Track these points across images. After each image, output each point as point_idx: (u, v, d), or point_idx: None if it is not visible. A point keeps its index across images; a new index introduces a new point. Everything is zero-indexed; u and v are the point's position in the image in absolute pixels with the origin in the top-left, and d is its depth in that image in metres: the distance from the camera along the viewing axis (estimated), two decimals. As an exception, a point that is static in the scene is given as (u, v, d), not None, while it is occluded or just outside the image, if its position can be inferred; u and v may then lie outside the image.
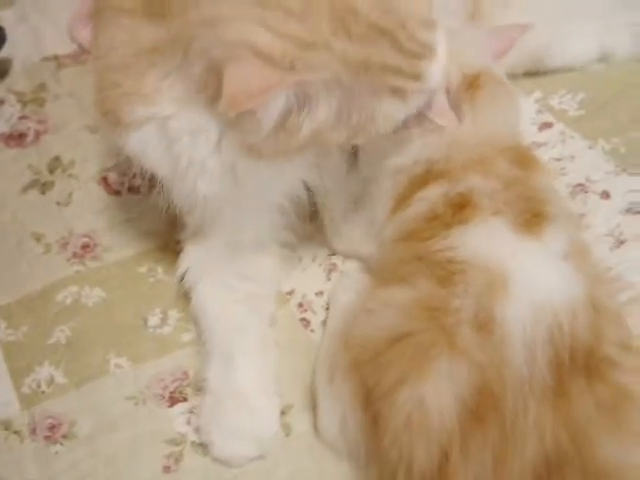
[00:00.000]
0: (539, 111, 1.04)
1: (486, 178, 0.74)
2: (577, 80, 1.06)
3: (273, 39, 0.60)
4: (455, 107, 0.76)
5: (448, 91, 0.75)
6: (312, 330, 0.86)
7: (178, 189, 0.78)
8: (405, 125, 0.70)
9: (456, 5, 0.99)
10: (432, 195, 0.74)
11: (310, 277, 0.91)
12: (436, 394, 0.63)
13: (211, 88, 0.65)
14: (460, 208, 0.72)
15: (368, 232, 0.84)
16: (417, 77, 0.67)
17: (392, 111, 0.67)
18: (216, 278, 0.86)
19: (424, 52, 0.66)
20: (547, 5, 1.06)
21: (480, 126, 0.78)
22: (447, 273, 0.68)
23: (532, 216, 0.72)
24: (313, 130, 0.65)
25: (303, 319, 0.87)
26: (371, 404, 0.67)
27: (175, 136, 0.70)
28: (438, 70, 0.69)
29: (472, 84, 0.80)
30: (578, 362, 0.65)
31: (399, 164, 0.79)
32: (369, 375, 0.67)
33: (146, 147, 0.74)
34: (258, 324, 0.84)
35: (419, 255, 0.71)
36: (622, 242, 0.88)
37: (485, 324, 0.65)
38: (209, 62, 0.63)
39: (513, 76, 1.05)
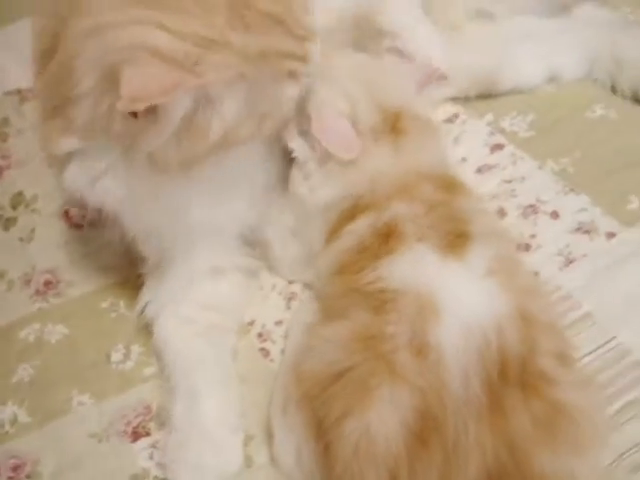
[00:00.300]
0: (491, 133, 1.06)
1: (410, 204, 0.76)
2: (527, 102, 1.09)
3: (172, 40, 0.61)
4: (361, 137, 0.79)
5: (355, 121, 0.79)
6: (272, 360, 0.87)
7: (120, 222, 0.80)
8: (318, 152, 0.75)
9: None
10: (360, 227, 0.77)
11: (270, 306, 0.92)
12: (381, 421, 0.65)
13: (108, 99, 0.65)
14: (386, 238, 0.74)
15: (307, 261, 0.87)
16: (305, 59, 0.71)
17: (290, 93, 0.72)
18: (177, 311, 0.87)
19: (309, 35, 0.71)
20: (497, 29, 1.10)
21: (403, 158, 0.81)
22: (380, 302, 0.70)
23: (455, 237, 0.74)
24: (223, 129, 0.67)
25: (263, 349, 0.88)
26: (322, 435, 0.68)
27: (94, 172, 0.73)
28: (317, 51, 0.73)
29: (394, 125, 0.82)
30: (512, 378, 0.66)
31: (327, 202, 0.82)
32: (318, 408, 0.68)
33: (78, 183, 0.76)
34: (220, 357, 0.85)
35: (353, 288, 0.73)
36: (571, 261, 0.90)
37: (421, 349, 0.67)
38: (102, 72, 0.64)
39: (467, 99, 1.09)
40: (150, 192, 0.74)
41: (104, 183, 0.75)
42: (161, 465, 0.79)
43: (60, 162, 0.76)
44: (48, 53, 0.72)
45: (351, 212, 0.79)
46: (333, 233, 0.80)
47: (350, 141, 0.80)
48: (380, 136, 0.82)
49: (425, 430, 0.65)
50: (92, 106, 0.68)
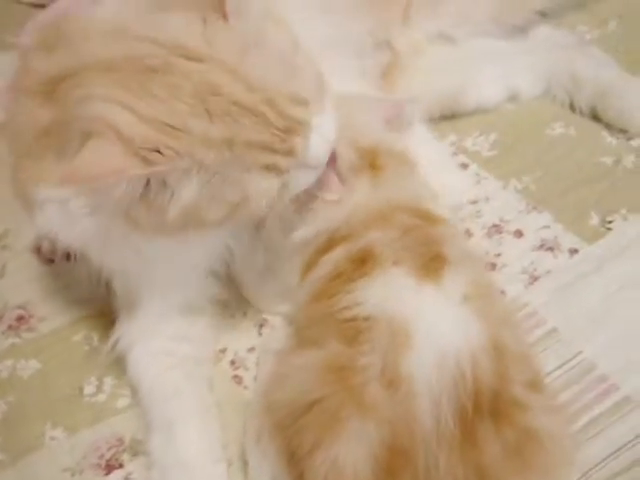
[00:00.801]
0: (454, 153, 1.09)
1: (385, 230, 0.77)
2: (489, 121, 1.11)
3: (135, 122, 0.62)
4: (342, 178, 0.79)
5: (335, 162, 0.78)
6: (245, 387, 0.88)
7: (92, 260, 0.81)
8: (297, 200, 0.73)
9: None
10: (336, 256, 0.77)
11: (242, 333, 0.93)
12: (349, 454, 0.65)
13: None
14: (362, 263, 0.74)
15: (283, 294, 0.87)
16: (290, 153, 0.68)
17: (267, 187, 0.68)
18: (149, 344, 0.86)
19: (295, 128, 0.67)
20: (458, 51, 1.12)
21: (380, 193, 0.81)
22: (354, 332, 0.70)
23: (430, 260, 0.74)
24: (181, 211, 0.66)
25: (236, 376, 0.89)
26: (295, 465, 0.68)
27: (74, 216, 0.72)
28: (318, 146, 0.70)
29: (372, 162, 0.83)
30: (484, 407, 0.67)
31: (302, 238, 0.82)
32: (291, 438, 0.68)
33: (53, 224, 0.76)
34: (196, 388, 0.85)
35: (326, 314, 0.73)
36: (536, 278, 0.92)
37: (392, 380, 0.67)
38: (80, 136, 0.65)
39: (431, 120, 1.11)
40: (123, 236, 0.74)
41: (79, 225, 0.74)
42: None
43: (33, 202, 0.77)
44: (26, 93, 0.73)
45: (328, 244, 0.79)
46: (309, 265, 0.80)
47: (335, 183, 0.81)
48: (359, 173, 0.82)
49: (394, 463, 0.65)
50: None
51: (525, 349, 0.76)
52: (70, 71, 0.68)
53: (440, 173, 0.88)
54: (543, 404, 0.71)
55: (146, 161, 0.63)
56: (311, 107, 0.69)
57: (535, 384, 0.72)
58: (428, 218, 0.80)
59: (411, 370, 0.67)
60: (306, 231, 0.82)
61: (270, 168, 0.68)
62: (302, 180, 0.73)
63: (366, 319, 0.70)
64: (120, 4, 0.70)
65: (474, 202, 1.01)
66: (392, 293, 0.72)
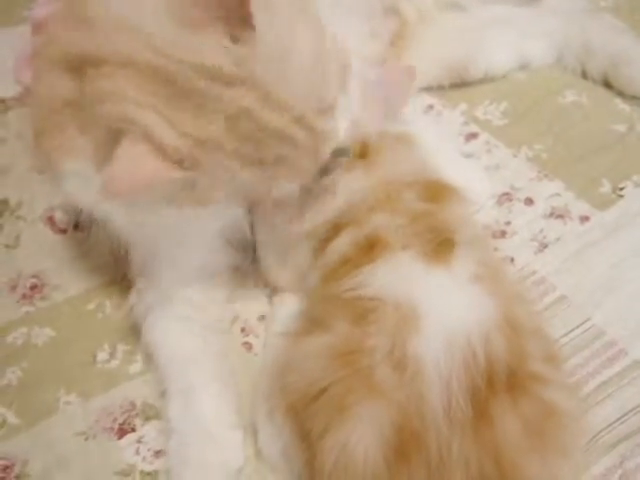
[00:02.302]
0: (465, 122, 1.08)
1: (393, 214, 0.75)
2: (500, 90, 1.11)
3: (168, 132, 0.63)
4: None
5: None
6: (255, 354, 0.88)
7: (113, 227, 0.82)
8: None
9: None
10: (342, 243, 0.76)
11: (252, 301, 0.93)
12: (358, 438, 0.64)
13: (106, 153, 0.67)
14: (370, 248, 0.73)
15: (296, 277, 0.87)
16: (317, 161, 0.70)
17: (288, 187, 0.71)
18: (167, 310, 0.87)
19: (323, 138, 0.69)
20: (469, 18, 1.12)
21: (377, 173, 0.80)
22: (361, 312, 0.69)
23: (439, 244, 0.73)
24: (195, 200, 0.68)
25: (246, 343, 0.90)
26: (307, 446, 0.68)
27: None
28: (341, 129, 0.71)
29: (362, 153, 0.81)
30: (499, 385, 0.65)
31: (306, 230, 0.81)
32: (303, 421, 0.68)
33: (77, 191, 0.77)
34: (213, 355, 0.85)
35: (334, 295, 0.72)
36: (545, 246, 0.92)
37: (400, 361, 0.66)
38: (109, 130, 0.66)
39: (440, 89, 1.11)
40: (145, 205, 0.74)
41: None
42: (166, 472, 0.79)
43: (57, 171, 0.77)
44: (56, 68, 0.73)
45: (332, 232, 0.78)
46: (317, 252, 0.80)
47: None
48: (348, 166, 0.81)
49: (406, 445, 0.64)
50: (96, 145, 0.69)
51: (539, 324, 0.75)
52: (92, 57, 0.68)
53: (457, 177, 0.86)
54: (561, 380, 0.71)
55: (179, 166, 0.64)
56: (335, 101, 0.70)
57: (552, 359, 0.72)
58: (435, 195, 0.79)
59: (419, 351, 0.66)
60: (309, 223, 0.81)
61: (297, 174, 0.70)
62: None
63: (373, 299, 0.70)
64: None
65: (484, 170, 1.01)
66: (400, 275, 0.71)
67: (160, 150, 0.63)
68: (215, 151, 0.64)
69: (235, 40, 0.63)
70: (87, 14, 0.70)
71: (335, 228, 0.78)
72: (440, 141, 0.97)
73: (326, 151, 0.70)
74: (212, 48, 0.63)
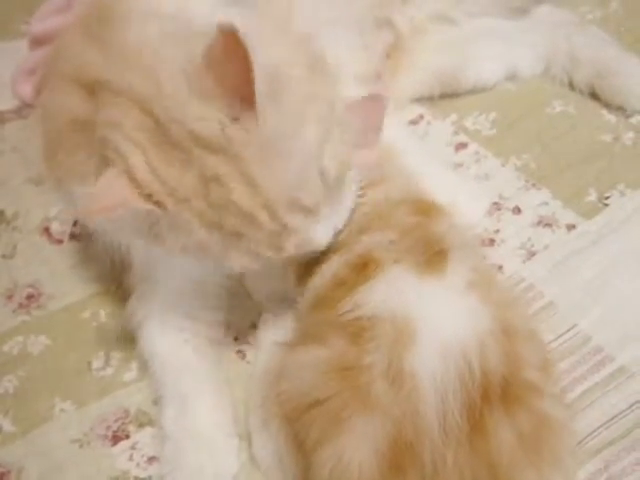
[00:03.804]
0: (455, 132, 1.10)
1: (383, 231, 0.75)
2: (489, 101, 1.12)
3: (147, 171, 0.67)
4: None
5: None
6: (248, 362, 0.89)
7: (114, 237, 0.84)
8: None
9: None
10: (335, 265, 0.76)
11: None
12: (354, 450, 0.64)
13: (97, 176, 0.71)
14: (363, 268, 0.73)
15: (278, 295, 0.88)
16: (277, 250, 0.71)
17: (249, 263, 0.72)
18: (164, 320, 0.88)
19: (287, 233, 0.70)
20: (459, 31, 1.14)
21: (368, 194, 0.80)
22: (358, 330, 0.69)
23: (432, 255, 0.73)
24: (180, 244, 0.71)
25: (239, 351, 0.91)
26: (303, 456, 0.69)
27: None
28: (323, 233, 0.73)
29: None
30: (494, 397, 0.66)
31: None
32: (299, 430, 0.69)
33: None
34: (208, 364, 0.86)
35: (331, 320, 0.72)
36: (533, 254, 0.93)
37: (397, 377, 0.66)
38: (103, 157, 0.70)
39: (431, 99, 1.13)
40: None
41: None
42: (160, 478, 0.80)
43: (66, 189, 0.80)
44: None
45: (321, 255, 0.77)
46: (307, 273, 0.79)
47: None
48: None
49: (400, 458, 0.64)
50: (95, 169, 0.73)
51: (533, 328, 0.76)
52: (108, 84, 0.71)
53: (452, 199, 0.86)
54: (554, 389, 0.72)
55: (149, 201, 0.68)
56: (316, 209, 0.71)
57: (546, 366, 0.72)
58: (424, 209, 0.79)
59: (415, 366, 0.66)
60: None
61: (253, 254, 0.71)
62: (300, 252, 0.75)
63: (370, 318, 0.69)
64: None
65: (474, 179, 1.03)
66: (394, 290, 0.70)
67: (135, 183, 0.68)
68: (182, 203, 0.68)
69: (234, 118, 0.66)
70: (109, 38, 0.73)
71: (324, 252, 0.77)
72: (430, 159, 0.99)
73: (290, 248, 0.71)
74: (210, 120, 0.66)
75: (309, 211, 0.70)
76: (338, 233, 0.76)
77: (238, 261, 0.72)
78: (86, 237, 1.06)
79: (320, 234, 0.73)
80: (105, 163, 0.70)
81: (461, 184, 0.99)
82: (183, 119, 0.67)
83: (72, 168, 0.76)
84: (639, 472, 0.73)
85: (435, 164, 1.00)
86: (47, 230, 1.09)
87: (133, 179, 0.68)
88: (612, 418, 0.77)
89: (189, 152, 0.67)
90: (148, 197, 0.68)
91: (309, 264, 0.78)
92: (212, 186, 0.67)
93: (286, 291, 0.85)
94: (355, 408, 0.66)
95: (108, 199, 0.67)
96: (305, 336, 0.75)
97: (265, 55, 0.64)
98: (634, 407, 0.77)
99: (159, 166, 0.68)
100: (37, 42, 1.34)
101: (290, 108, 0.68)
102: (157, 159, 0.68)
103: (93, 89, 0.73)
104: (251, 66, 0.62)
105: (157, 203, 0.68)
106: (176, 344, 0.87)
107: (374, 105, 0.80)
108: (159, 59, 0.69)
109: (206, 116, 0.66)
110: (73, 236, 1.08)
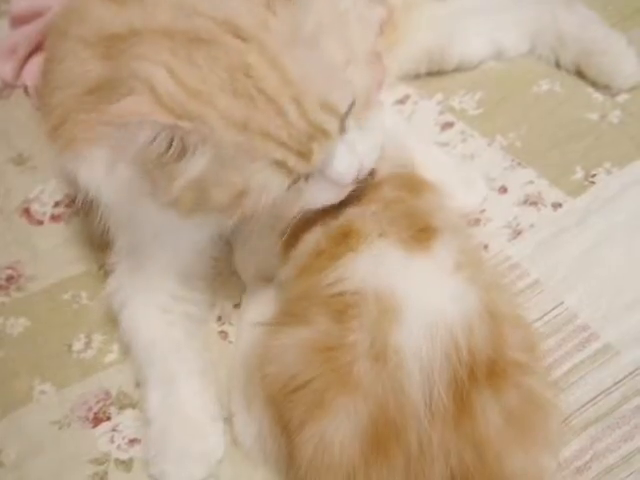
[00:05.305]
0: (441, 112, 1.09)
1: (365, 204, 0.74)
2: (475, 80, 1.12)
3: (170, 82, 0.64)
4: None
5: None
6: (230, 342, 0.89)
7: (106, 213, 0.83)
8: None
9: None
10: (315, 235, 0.75)
11: (228, 291, 0.93)
12: (335, 430, 0.64)
13: None
14: (343, 238, 0.72)
15: (263, 270, 0.87)
16: (304, 156, 0.66)
17: (272, 183, 0.67)
18: (148, 300, 0.86)
19: (315, 134, 0.65)
20: (446, 7, 1.12)
21: None
22: (342, 307, 0.68)
23: (419, 231, 0.72)
24: (187, 183, 0.66)
25: (222, 331, 0.90)
26: (288, 436, 0.69)
27: (114, 172, 0.74)
28: (345, 161, 0.69)
29: None
30: (481, 376, 0.65)
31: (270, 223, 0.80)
32: (283, 411, 0.68)
33: (90, 175, 0.78)
34: (194, 346, 0.85)
35: (313, 290, 0.71)
36: (519, 233, 0.93)
37: (381, 355, 0.65)
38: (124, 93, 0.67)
39: (417, 78, 1.12)
40: (142, 196, 0.75)
41: (116, 181, 0.76)
42: (146, 463, 0.78)
43: (78, 155, 0.78)
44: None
45: (304, 223, 0.75)
46: (290, 243, 0.78)
47: None
48: None
49: (384, 436, 0.64)
50: None
51: (519, 312, 0.76)
52: (133, 32, 0.69)
53: (450, 188, 0.85)
54: (541, 369, 0.71)
55: (173, 115, 0.63)
56: (346, 121, 0.68)
57: (532, 348, 0.72)
58: (413, 187, 0.78)
59: (400, 343, 0.65)
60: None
61: (279, 165, 0.66)
62: (322, 194, 0.72)
63: (354, 293, 0.68)
64: None
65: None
66: (380, 265, 0.70)
67: (158, 99, 0.64)
68: (208, 105, 0.64)
69: (270, 8, 0.65)
70: None
71: (306, 221, 0.76)
72: (428, 144, 0.98)
73: (317, 156, 0.66)
74: (245, 10, 0.65)
75: (338, 114, 0.67)
76: (364, 178, 0.72)
77: (260, 177, 0.66)
78: (68, 217, 1.05)
79: (345, 161, 0.70)
80: None
81: (459, 172, 0.98)
82: (216, 11, 0.65)
83: (86, 132, 0.74)
84: (624, 448, 0.73)
85: (434, 149, 0.99)
86: (27, 211, 1.07)
87: (157, 98, 0.64)
88: (598, 395, 0.76)
89: (217, 44, 0.64)
90: (172, 112, 0.64)
91: (294, 233, 0.76)
92: (240, 76, 0.64)
93: (273, 269, 0.84)
94: (338, 389, 0.66)
95: (132, 112, 0.63)
96: (288, 315, 0.74)
97: None
98: (619, 384, 0.77)
99: (183, 72, 0.64)
100: (18, 21, 1.32)
101: (320, 16, 0.67)
102: (181, 66, 0.64)
103: (110, 46, 0.71)
104: None
105: (180, 117, 0.64)
106: (160, 325, 0.86)
107: (375, 65, 0.80)
108: None
109: (240, 6, 0.65)
110: (53, 217, 1.06)
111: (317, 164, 0.67)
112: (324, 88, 0.65)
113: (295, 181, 0.68)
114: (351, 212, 0.74)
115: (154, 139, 0.63)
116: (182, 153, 0.65)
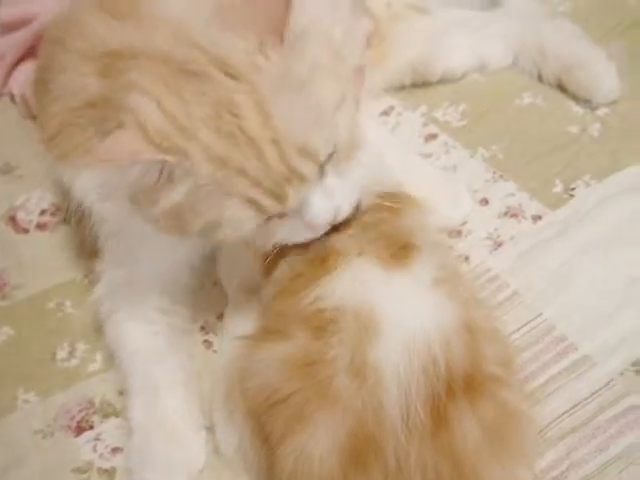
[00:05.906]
0: (425, 124, 1.10)
1: (345, 230, 0.74)
2: (459, 92, 1.13)
3: (156, 115, 0.65)
4: None
5: None
6: (214, 351, 0.89)
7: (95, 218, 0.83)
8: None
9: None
10: (293, 258, 0.75)
11: (211, 302, 0.94)
12: (315, 444, 0.65)
13: None
14: (322, 261, 0.73)
15: (245, 284, 0.88)
16: (278, 199, 0.67)
17: (243, 219, 0.68)
18: (133, 311, 0.87)
19: (291, 178, 0.67)
20: (431, 20, 1.14)
21: None
22: (322, 323, 0.69)
23: (398, 249, 0.73)
24: (167, 209, 0.68)
25: (205, 341, 0.91)
26: (269, 449, 0.69)
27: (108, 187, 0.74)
28: (321, 207, 0.70)
29: None
30: (458, 389, 0.66)
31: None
32: (264, 424, 0.69)
33: (89, 188, 0.77)
34: (178, 356, 0.86)
35: (293, 308, 0.72)
36: (500, 244, 0.94)
37: (360, 371, 0.66)
38: (115, 125, 0.68)
39: (402, 89, 1.13)
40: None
41: (112, 197, 0.76)
42: (128, 471, 0.79)
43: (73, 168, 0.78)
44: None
45: (283, 247, 0.76)
46: (270, 265, 0.78)
47: None
48: None
49: (362, 451, 0.65)
50: None
51: (496, 327, 0.76)
52: (132, 52, 0.70)
53: (435, 202, 0.87)
54: (517, 382, 0.72)
55: (159, 150, 0.65)
56: (326, 166, 0.69)
57: (508, 363, 0.72)
58: (394, 208, 0.77)
59: (379, 359, 0.66)
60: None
61: (252, 203, 0.67)
62: (296, 233, 0.73)
63: (333, 310, 0.69)
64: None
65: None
66: (359, 283, 0.70)
67: (145, 133, 0.65)
68: (190, 140, 0.65)
69: (263, 50, 0.65)
70: (138, 10, 0.72)
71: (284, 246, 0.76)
72: (412, 157, 0.99)
73: (292, 200, 0.68)
74: (238, 49, 0.66)
75: (317, 161, 0.68)
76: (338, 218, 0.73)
77: (232, 212, 0.67)
78: (54, 225, 1.06)
79: (320, 205, 0.71)
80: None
81: (445, 185, 0.98)
82: (210, 46, 0.66)
83: (83, 146, 0.74)
84: (600, 458, 0.73)
85: (418, 161, 1.00)
86: (13, 219, 1.08)
87: (145, 133, 0.65)
88: (574, 406, 0.77)
89: (207, 79, 0.65)
90: (158, 147, 0.65)
91: (273, 257, 0.77)
92: (225, 114, 0.65)
93: (256, 281, 0.84)
94: (318, 403, 0.66)
95: (118, 152, 0.64)
96: (269, 331, 0.75)
97: (308, 5, 0.66)
98: (595, 395, 0.78)
99: (171, 105, 0.65)
100: (6, 28, 1.32)
101: (314, 58, 0.68)
102: (170, 99, 0.65)
103: (109, 64, 0.71)
104: (291, 3, 0.63)
105: (166, 151, 0.65)
106: (145, 335, 0.86)
107: (356, 77, 0.79)
108: (188, 11, 0.69)
109: (234, 44, 0.65)
110: (39, 226, 1.07)
111: (292, 206, 0.69)
112: (306, 133, 0.66)
113: (269, 219, 0.70)
114: (330, 237, 0.75)
115: (144, 175, 0.65)
116: (168, 183, 0.67)
